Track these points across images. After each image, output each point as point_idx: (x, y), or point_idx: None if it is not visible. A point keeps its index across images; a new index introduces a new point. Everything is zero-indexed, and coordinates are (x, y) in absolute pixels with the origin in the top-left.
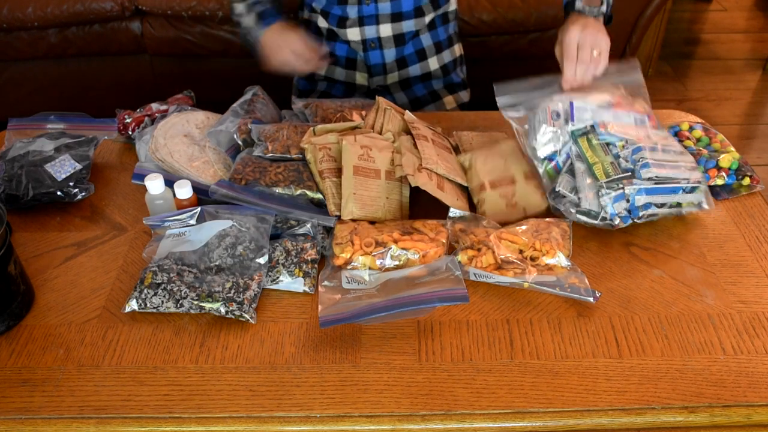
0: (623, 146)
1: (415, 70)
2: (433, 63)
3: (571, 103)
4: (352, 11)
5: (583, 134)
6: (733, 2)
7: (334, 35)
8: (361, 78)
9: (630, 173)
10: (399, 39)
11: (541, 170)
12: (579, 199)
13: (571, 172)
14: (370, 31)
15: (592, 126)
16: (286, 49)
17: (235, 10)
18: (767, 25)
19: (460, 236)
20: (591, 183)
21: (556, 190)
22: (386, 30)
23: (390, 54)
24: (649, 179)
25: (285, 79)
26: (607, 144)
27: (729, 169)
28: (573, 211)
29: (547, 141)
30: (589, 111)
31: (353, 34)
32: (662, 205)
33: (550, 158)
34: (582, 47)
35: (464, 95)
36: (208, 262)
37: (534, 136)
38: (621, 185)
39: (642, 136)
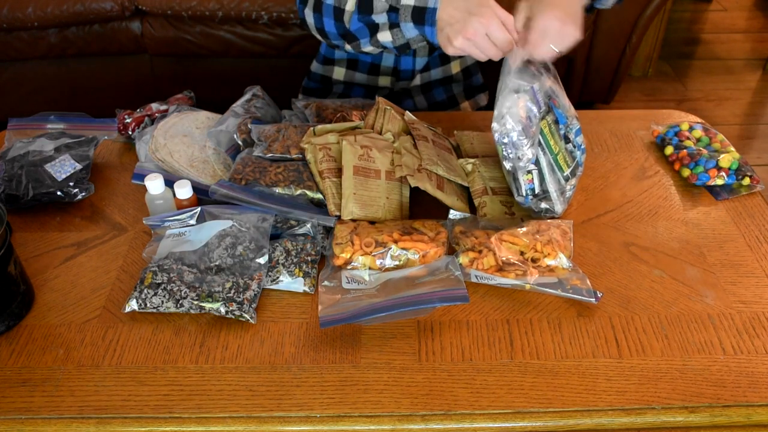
0: (567, 127)
1: (437, 73)
2: (455, 66)
3: (533, 88)
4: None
5: (543, 117)
6: (733, 2)
7: None
8: (383, 81)
9: (575, 162)
10: (432, 46)
11: (500, 158)
12: (552, 203)
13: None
14: (406, 61)
15: (549, 106)
16: (471, 24)
17: (376, 7)
18: (767, 25)
19: (460, 238)
20: (551, 178)
21: (531, 192)
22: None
23: (421, 61)
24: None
25: (285, 79)
26: (556, 122)
27: (729, 169)
28: (535, 209)
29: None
30: (540, 83)
31: None
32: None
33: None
34: (543, 37)
35: (482, 98)
36: (208, 262)
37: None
38: (570, 177)
39: (572, 111)
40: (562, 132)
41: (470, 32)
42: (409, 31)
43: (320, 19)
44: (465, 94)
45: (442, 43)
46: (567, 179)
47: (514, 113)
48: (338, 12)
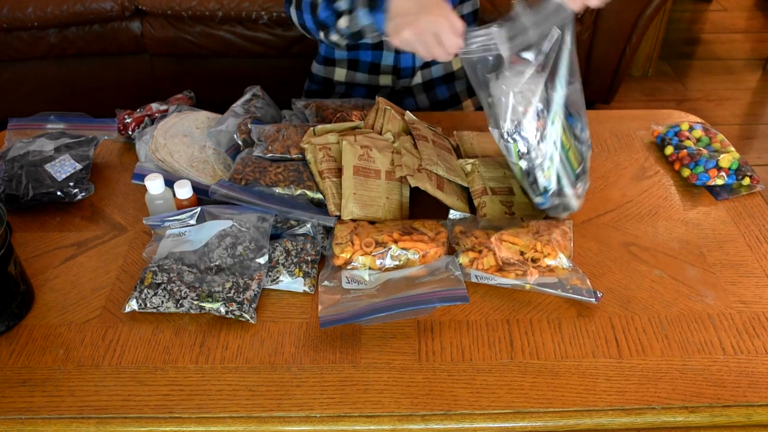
0: (575, 125)
1: (438, 70)
2: (456, 62)
3: (536, 83)
4: None
5: (553, 111)
6: (733, 2)
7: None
8: (384, 80)
9: (582, 159)
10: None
11: (513, 161)
12: (568, 198)
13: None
14: (406, 60)
15: (559, 104)
16: (423, 19)
17: None
18: (767, 25)
19: (460, 238)
20: (564, 174)
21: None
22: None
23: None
24: None
25: (285, 79)
26: (567, 118)
27: (729, 169)
28: (553, 206)
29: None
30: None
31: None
32: None
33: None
34: None
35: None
36: (208, 262)
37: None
38: (581, 174)
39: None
40: (571, 130)
41: (420, 27)
42: (363, 17)
43: (301, 15)
44: (468, 91)
45: (389, 32)
46: (578, 176)
47: (520, 111)
48: (313, 6)
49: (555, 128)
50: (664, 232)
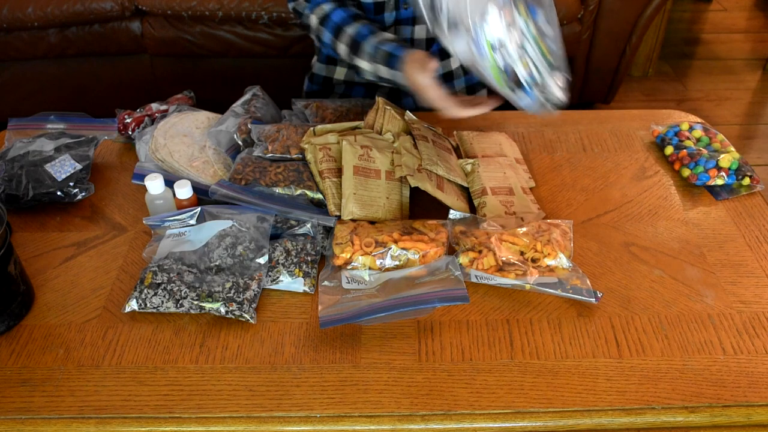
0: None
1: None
2: (455, 62)
3: None
4: (390, 17)
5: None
6: (733, 2)
7: None
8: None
9: (551, 51)
10: (430, 41)
11: (487, 64)
12: (552, 90)
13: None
14: (405, 32)
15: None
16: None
17: (366, 69)
18: (767, 25)
19: (460, 238)
20: (541, 64)
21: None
22: (420, 32)
23: None
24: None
25: (285, 79)
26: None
27: (729, 169)
28: (541, 102)
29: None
30: None
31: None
32: None
33: (494, 47)
34: None
35: (484, 94)
36: (208, 262)
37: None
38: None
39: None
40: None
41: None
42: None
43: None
44: (467, 90)
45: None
46: (552, 66)
47: (481, 6)
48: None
49: (521, 16)
50: (664, 232)
